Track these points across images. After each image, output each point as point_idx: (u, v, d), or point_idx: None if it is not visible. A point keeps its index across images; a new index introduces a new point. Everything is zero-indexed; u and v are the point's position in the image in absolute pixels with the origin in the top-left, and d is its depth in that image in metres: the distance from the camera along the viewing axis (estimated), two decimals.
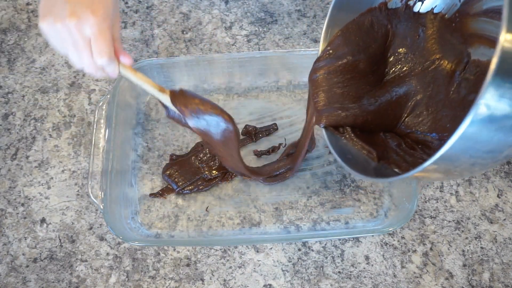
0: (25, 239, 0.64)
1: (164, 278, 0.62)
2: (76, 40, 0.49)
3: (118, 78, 0.69)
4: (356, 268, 0.62)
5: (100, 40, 0.49)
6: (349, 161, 0.47)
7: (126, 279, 0.62)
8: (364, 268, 0.62)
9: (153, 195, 0.65)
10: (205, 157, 0.67)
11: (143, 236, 0.63)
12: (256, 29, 0.78)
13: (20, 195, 0.67)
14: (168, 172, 0.66)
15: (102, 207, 0.59)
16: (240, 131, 0.68)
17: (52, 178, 0.68)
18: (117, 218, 0.60)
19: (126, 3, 0.81)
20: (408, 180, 0.55)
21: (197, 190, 0.65)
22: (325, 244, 0.63)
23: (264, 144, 0.69)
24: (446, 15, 0.49)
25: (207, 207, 0.65)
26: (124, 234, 0.58)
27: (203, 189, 0.65)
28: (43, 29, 0.51)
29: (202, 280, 0.62)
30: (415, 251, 0.63)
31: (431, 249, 0.63)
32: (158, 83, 0.72)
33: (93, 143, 0.63)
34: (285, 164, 0.65)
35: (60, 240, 0.64)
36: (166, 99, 0.53)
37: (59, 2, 0.49)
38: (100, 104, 0.65)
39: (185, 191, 0.65)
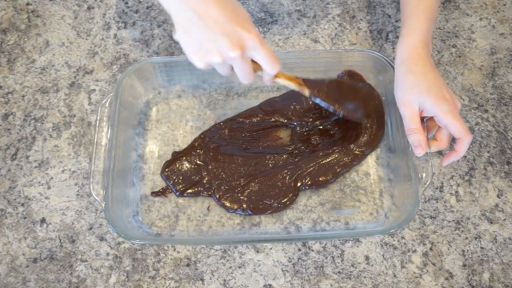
0: (25, 239, 0.64)
1: (164, 278, 0.62)
2: (243, 66, 0.50)
3: (119, 79, 0.69)
4: (356, 268, 0.62)
5: (267, 54, 0.51)
6: None
7: (126, 279, 0.62)
8: (364, 268, 0.62)
9: (155, 193, 0.65)
10: (206, 154, 0.67)
11: (144, 235, 0.63)
12: (256, 29, 0.78)
13: (20, 195, 0.67)
14: (166, 173, 0.66)
15: (103, 206, 0.59)
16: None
17: (52, 178, 0.68)
18: (118, 217, 0.60)
19: (126, 3, 0.81)
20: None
21: (198, 195, 0.65)
22: (325, 244, 0.64)
23: None
24: None
25: (208, 206, 0.65)
26: (125, 233, 0.58)
27: (205, 195, 0.65)
28: (199, 66, 0.51)
29: (202, 280, 0.62)
30: (415, 251, 0.63)
31: (431, 249, 0.63)
32: (159, 82, 0.72)
33: (95, 142, 0.63)
34: None
35: (60, 240, 0.64)
36: (307, 92, 0.61)
37: (210, 36, 0.48)
38: (103, 102, 0.65)
39: (185, 194, 0.65)
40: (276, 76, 0.57)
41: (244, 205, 0.64)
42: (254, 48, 0.50)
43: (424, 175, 0.59)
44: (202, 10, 0.48)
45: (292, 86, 0.60)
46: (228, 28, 0.48)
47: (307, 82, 0.61)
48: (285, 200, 0.64)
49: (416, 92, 0.57)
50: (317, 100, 0.62)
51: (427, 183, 0.59)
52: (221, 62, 0.50)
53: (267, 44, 0.76)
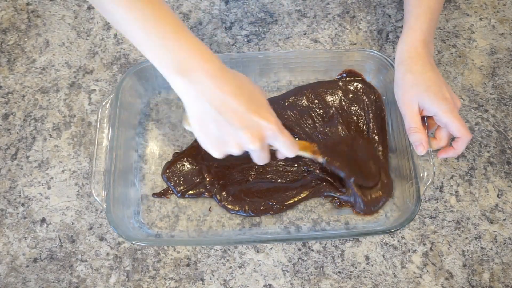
0: (25, 239, 0.64)
1: (164, 278, 0.62)
2: (261, 154, 0.50)
3: (119, 80, 0.69)
4: (356, 268, 0.62)
5: (286, 142, 0.51)
6: None
7: (126, 279, 0.62)
8: (364, 268, 0.62)
9: (156, 194, 0.65)
10: (207, 155, 0.67)
11: (144, 235, 0.63)
12: (256, 29, 0.78)
13: (20, 195, 0.67)
14: (167, 174, 0.66)
15: (105, 206, 0.59)
16: None
17: (52, 178, 0.68)
18: (120, 218, 0.60)
19: None
20: None
21: (199, 196, 0.65)
22: (325, 244, 0.63)
23: None
24: None
25: (210, 207, 0.65)
26: (127, 234, 0.58)
27: (207, 196, 0.65)
28: (216, 156, 0.51)
29: (202, 280, 0.62)
30: (415, 251, 0.63)
31: (431, 249, 0.63)
32: (160, 83, 0.72)
33: (96, 143, 0.63)
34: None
35: (60, 240, 0.64)
36: (321, 159, 0.61)
37: (229, 131, 0.48)
38: (104, 103, 0.65)
39: (186, 196, 0.65)
40: (300, 150, 0.57)
41: (246, 207, 0.64)
42: (274, 137, 0.49)
43: (425, 173, 0.59)
44: (220, 103, 0.46)
45: (307, 155, 0.60)
46: (247, 119, 0.47)
47: (321, 147, 0.61)
48: (287, 202, 0.64)
49: (415, 91, 0.57)
50: (331, 167, 0.61)
51: (429, 182, 0.59)
52: (240, 153, 0.50)
53: (267, 44, 0.76)
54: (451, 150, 0.58)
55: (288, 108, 0.70)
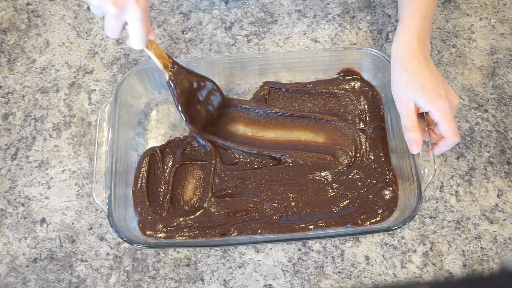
0: (25, 239, 0.64)
1: (164, 278, 0.62)
2: (111, 23, 0.52)
3: (120, 80, 0.69)
4: (356, 268, 0.62)
5: (139, 32, 0.53)
6: None
7: (126, 279, 0.62)
8: (364, 268, 0.62)
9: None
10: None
11: (144, 237, 0.62)
12: (256, 29, 0.78)
13: (20, 195, 0.67)
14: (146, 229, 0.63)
15: (106, 211, 0.58)
16: None
17: (52, 178, 0.68)
18: (121, 220, 0.60)
19: None
20: None
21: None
22: (325, 244, 0.63)
23: None
24: None
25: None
26: (129, 237, 0.58)
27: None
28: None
29: (202, 280, 0.62)
30: (415, 251, 0.63)
31: (431, 249, 0.63)
32: (161, 84, 0.72)
33: (96, 143, 0.62)
34: None
35: (60, 240, 0.64)
36: (166, 76, 0.62)
37: None
38: (103, 107, 0.65)
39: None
40: (148, 48, 0.58)
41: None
42: (132, 18, 0.52)
43: (426, 170, 0.59)
44: None
45: (158, 64, 0.61)
46: None
47: (176, 71, 0.62)
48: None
49: (410, 89, 0.57)
50: (171, 85, 0.62)
51: (430, 179, 0.58)
52: (97, 6, 0.51)
53: (267, 44, 0.76)
54: (435, 147, 0.59)
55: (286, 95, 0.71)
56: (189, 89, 0.64)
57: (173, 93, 0.63)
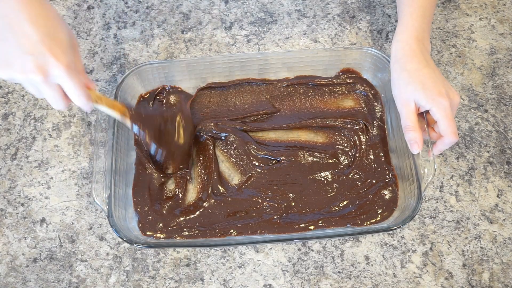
0: (25, 239, 0.64)
1: (164, 278, 0.62)
2: (48, 91, 0.48)
3: (120, 80, 0.68)
4: (356, 268, 0.62)
5: (74, 87, 0.48)
6: None
7: (126, 279, 0.62)
8: (364, 268, 0.62)
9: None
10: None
11: (145, 237, 0.63)
12: (256, 29, 0.78)
13: (20, 195, 0.67)
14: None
15: (106, 211, 0.58)
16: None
17: (52, 178, 0.68)
18: (121, 220, 0.60)
19: (126, 3, 0.81)
20: None
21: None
22: (325, 244, 0.63)
23: None
24: None
25: None
26: (129, 238, 0.58)
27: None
28: (2, 77, 0.48)
29: (202, 280, 0.62)
30: (415, 251, 0.63)
31: (431, 249, 0.63)
32: (159, 84, 0.72)
33: (96, 144, 0.62)
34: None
35: (60, 240, 0.64)
36: (128, 123, 0.59)
37: (18, 53, 0.46)
38: None
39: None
40: (98, 103, 0.54)
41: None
42: (61, 78, 0.47)
43: (426, 170, 0.59)
44: (16, 23, 0.46)
45: (115, 115, 0.57)
46: (37, 49, 0.46)
47: (133, 113, 0.58)
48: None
49: (410, 89, 0.57)
50: (135, 128, 0.59)
51: (430, 178, 0.58)
52: (23, 81, 0.47)
53: (267, 44, 0.76)
54: (433, 146, 0.59)
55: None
56: (156, 127, 0.61)
57: (142, 136, 0.59)
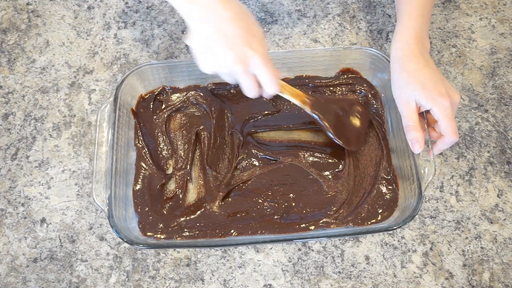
0: (25, 239, 0.64)
1: (164, 278, 0.62)
2: (246, 80, 0.54)
3: (120, 80, 0.68)
4: (356, 268, 0.62)
5: (268, 75, 0.54)
6: None
7: (126, 279, 0.62)
8: (364, 268, 0.62)
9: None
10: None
11: (145, 237, 0.62)
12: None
13: (20, 195, 0.67)
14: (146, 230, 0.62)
15: (107, 211, 0.58)
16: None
17: (52, 178, 0.68)
18: (122, 220, 0.60)
19: (126, 3, 0.81)
20: None
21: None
22: (325, 244, 0.63)
23: None
24: None
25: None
26: (129, 238, 0.57)
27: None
28: (206, 71, 0.55)
29: (202, 280, 0.62)
30: (415, 251, 0.63)
31: (431, 249, 0.63)
32: (159, 85, 0.72)
33: (96, 144, 0.62)
34: None
35: (60, 240, 0.64)
36: (308, 110, 0.63)
37: (221, 50, 0.52)
38: (103, 107, 0.64)
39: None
40: (282, 91, 0.59)
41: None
42: (258, 67, 0.53)
43: (426, 170, 0.59)
44: (219, 26, 0.52)
45: (296, 102, 0.62)
46: (238, 45, 0.52)
47: (312, 100, 0.63)
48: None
49: (411, 89, 0.57)
50: (316, 117, 0.63)
51: (430, 178, 0.58)
52: (226, 73, 0.54)
53: (267, 43, 0.76)
54: (434, 146, 0.59)
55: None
56: (333, 114, 0.64)
57: (321, 123, 0.63)
